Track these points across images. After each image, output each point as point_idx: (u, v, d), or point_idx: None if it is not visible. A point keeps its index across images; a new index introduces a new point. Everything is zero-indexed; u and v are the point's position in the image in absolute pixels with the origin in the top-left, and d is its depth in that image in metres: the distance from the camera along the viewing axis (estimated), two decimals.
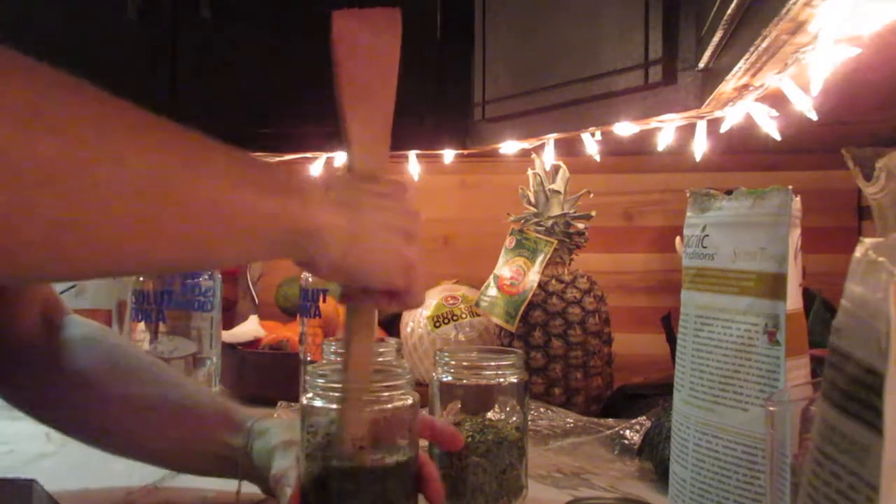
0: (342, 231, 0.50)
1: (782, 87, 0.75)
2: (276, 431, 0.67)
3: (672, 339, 1.11)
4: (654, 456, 0.83)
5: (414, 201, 0.57)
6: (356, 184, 0.54)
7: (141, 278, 0.98)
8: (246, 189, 0.45)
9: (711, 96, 0.80)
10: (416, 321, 1.24)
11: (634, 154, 1.34)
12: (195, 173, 0.42)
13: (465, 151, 1.29)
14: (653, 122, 0.97)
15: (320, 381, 0.61)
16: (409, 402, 0.62)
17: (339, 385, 0.60)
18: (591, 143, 1.12)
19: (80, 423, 0.75)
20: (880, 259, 0.27)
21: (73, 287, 1.55)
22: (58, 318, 0.78)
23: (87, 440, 0.75)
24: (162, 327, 0.97)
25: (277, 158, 1.39)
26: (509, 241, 1.19)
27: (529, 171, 1.18)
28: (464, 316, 1.23)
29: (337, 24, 0.57)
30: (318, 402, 0.61)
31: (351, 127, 0.57)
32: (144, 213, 0.39)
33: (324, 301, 1.07)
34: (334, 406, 0.60)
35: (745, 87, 0.76)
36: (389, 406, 0.61)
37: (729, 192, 0.59)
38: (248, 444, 0.68)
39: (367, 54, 0.58)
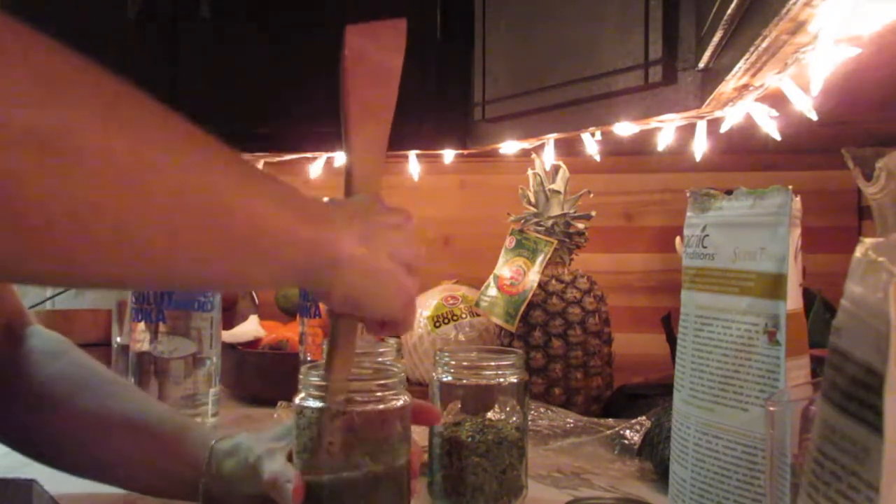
0: (362, 264, 0.50)
1: (782, 87, 0.75)
2: (249, 445, 0.65)
3: (672, 339, 1.11)
4: (654, 456, 0.83)
5: (414, 230, 0.58)
6: (374, 215, 0.54)
7: None
8: (289, 214, 0.45)
9: (711, 96, 0.80)
10: (416, 321, 1.24)
11: (634, 154, 1.34)
12: (248, 194, 0.43)
13: (465, 151, 1.29)
14: (653, 122, 0.97)
15: (314, 381, 0.61)
16: (400, 402, 0.62)
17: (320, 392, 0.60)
18: (591, 143, 1.12)
19: (37, 438, 0.72)
20: (880, 259, 0.27)
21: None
22: (20, 329, 0.76)
23: (42, 457, 0.72)
24: (162, 327, 0.97)
25: (277, 158, 1.39)
26: (509, 241, 1.19)
27: (529, 171, 1.18)
28: (464, 316, 1.23)
29: (350, 42, 0.57)
30: (310, 403, 0.60)
31: (355, 145, 0.58)
32: (200, 228, 0.40)
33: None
34: (324, 406, 0.60)
35: (745, 87, 0.76)
36: (381, 406, 0.60)
37: (729, 192, 0.59)
38: (212, 464, 0.66)
39: (375, 72, 0.58)
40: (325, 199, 0.55)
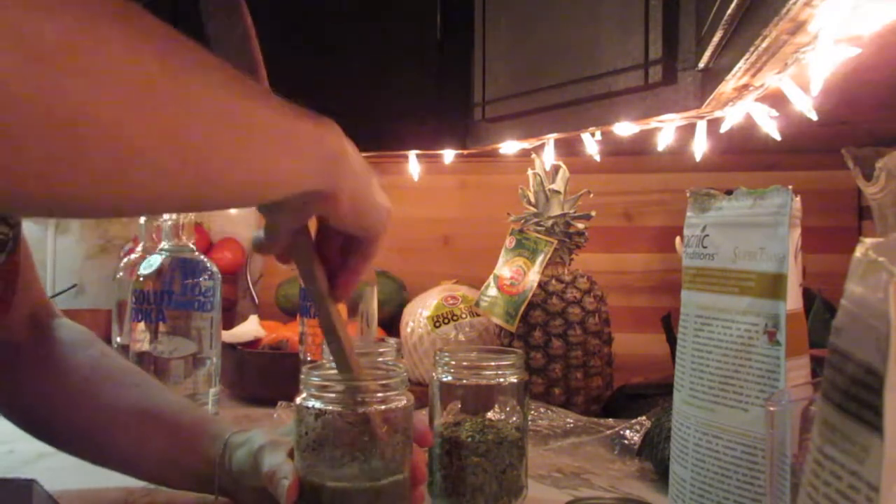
0: (356, 160, 0.52)
1: (782, 87, 0.75)
2: (257, 438, 0.66)
3: (672, 339, 1.11)
4: (654, 456, 0.83)
5: None
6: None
7: (141, 278, 0.98)
8: (293, 117, 0.47)
9: (711, 96, 0.80)
10: (416, 321, 1.24)
11: (634, 154, 1.34)
12: (258, 102, 0.44)
13: (465, 151, 1.29)
14: (653, 122, 0.97)
15: (315, 381, 0.61)
16: (402, 402, 0.62)
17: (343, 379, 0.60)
18: (591, 143, 1.12)
19: (58, 427, 0.74)
20: (880, 259, 0.27)
21: (74, 287, 1.55)
22: (46, 320, 0.78)
23: (62, 445, 0.74)
24: (162, 327, 0.97)
25: None
26: (509, 241, 1.19)
27: (529, 171, 1.18)
28: (464, 316, 1.23)
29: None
30: (311, 403, 0.60)
31: None
32: (225, 136, 0.40)
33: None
34: (329, 407, 0.60)
35: (745, 87, 0.76)
36: (383, 407, 0.60)
37: (729, 192, 0.59)
38: (225, 457, 0.67)
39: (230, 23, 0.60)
40: None
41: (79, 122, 0.32)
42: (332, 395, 0.60)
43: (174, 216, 1.00)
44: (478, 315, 1.22)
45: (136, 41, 0.35)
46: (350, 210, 0.52)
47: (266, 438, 0.65)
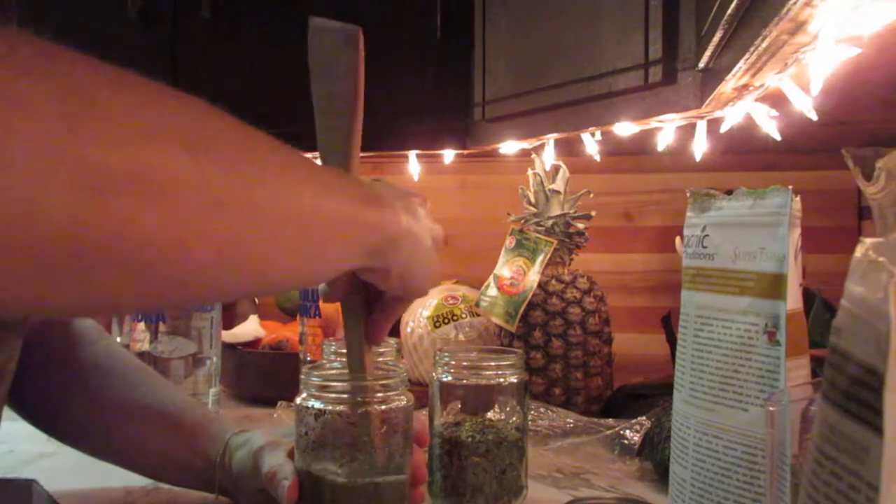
0: (414, 240, 0.53)
1: (782, 87, 0.74)
2: (257, 439, 0.66)
3: (672, 339, 1.11)
4: (654, 456, 0.83)
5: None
6: (404, 195, 0.56)
7: None
8: (353, 202, 0.48)
9: (711, 96, 0.80)
10: (416, 321, 1.24)
11: (634, 154, 1.34)
12: (316, 192, 0.45)
13: (465, 151, 1.29)
14: (653, 122, 0.97)
15: (315, 381, 0.61)
16: (403, 402, 0.62)
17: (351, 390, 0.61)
18: (591, 143, 1.12)
19: (61, 419, 0.75)
20: (880, 259, 0.27)
21: None
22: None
23: (63, 437, 0.75)
24: (162, 327, 0.97)
25: None
26: (509, 241, 1.19)
27: (529, 171, 1.18)
28: (464, 316, 1.23)
29: (310, 37, 0.59)
30: (312, 403, 0.60)
31: (320, 137, 0.59)
32: (284, 235, 0.42)
33: (324, 301, 1.07)
34: (329, 407, 0.60)
35: (745, 87, 0.76)
36: (383, 407, 0.61)
37: (729, 192, 0.59)
38: (226, 457, 0.68)
39: (333, 68, 0.59)
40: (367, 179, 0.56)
41: (146, 248, 0.33)
42: (333, 395, 0.60)
43: None
44: (478, 315, 1.22)
45: (201, 156, 0.36)
46: (398, 282, 0.54)
47: (265, 439, 0.65)
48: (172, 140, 0.35)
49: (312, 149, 1.43)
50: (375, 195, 0.50)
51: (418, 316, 1.24)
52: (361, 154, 0.60)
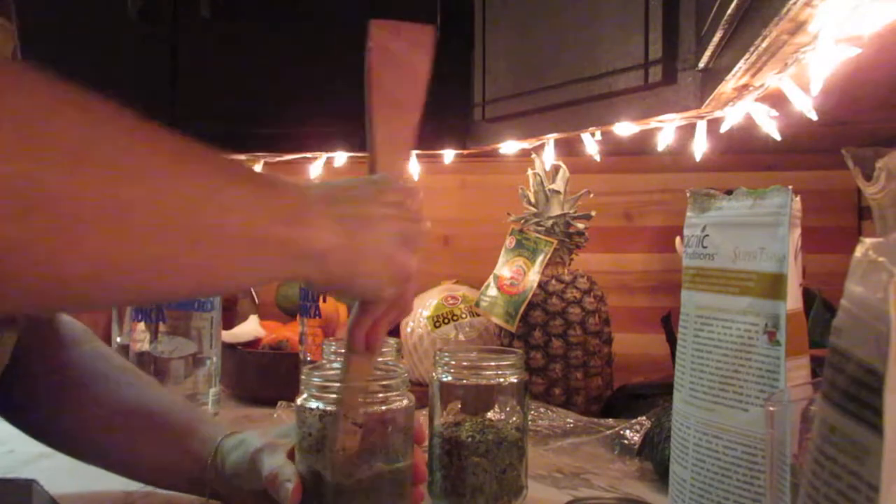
0: (341, 251, 0.51)
1: (782, 87, 0.74)
2: (253, 440, 0.65)
3: (672, 339, 1.11)
4: (654, 456, 0.83)
5: (421, 206, 0.58)
6: (362, 195, 0.55)
7: None
8: (263, 217, 0.47)
9: (711, 96, 0.80)
10: (416, 321, 1.24)
11: (634, 154, 1.34)
12: (222, 206, 0.44)
13: (465, 151, 1.29)
14: (653, 122, 0.97)
15: (316, 381, 0.61)
16: (405, 403, 0.62)
17: (336, 392, 0.60)
18: (591, 143, 1.12)
19: (52, 425, 0.74)
20: (880, 259, 0.27)
21: None
22: (47, 315, 0.78)
23: (55, 443, 0.74)
24: (162, 327, 0.97)
25: (277, 158, 1.39)
26: (509, 241, 1.19)
27: (529, 171, 1.18)
28: (464, 316, 1.23)
29: (374, 33, 0.60)
30: (312, 404, 0.60)
31: (376, 132, 0.60)
32: (177, 246, 0.42)
33: (324, 301, 1.07)
34: (329, 407, 0.60)
35: (745, 87, 0.76)
36: (383, 408, 0.61)
37: (729, 192, 0.59)
38: (218, 459, 0.66)
39: (399, 64, 0.61)
40: (316, 181, 0.55)
41: (12, 257, 0.35)
42: (334, 395, 0.60)
43: None
44: (478, 315, 1.22)
45: (84, 170, 0.37)
46: (327, 289, 0.54)
47: (263, 441, 0.65)
48: (55, 153, 0.35)
49: (310, 148, 1.42)
50: (291, 210, 0.49)
51: (418, 316, 1.24)
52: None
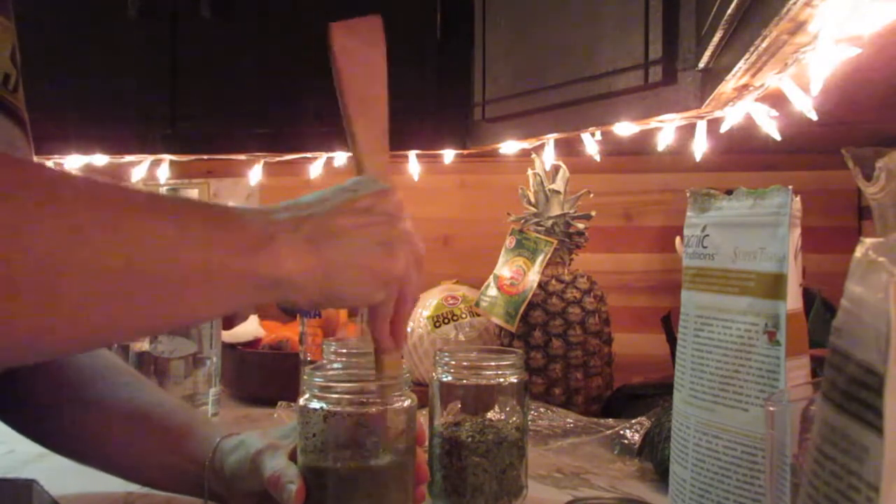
0: (314, 270, 0.51)
1: (782, 87, 0.74)
2: (253, 442, 0.65)
3: (672, 339, 1.11)
4: (654, 456, 0.83)
5: (399, 204, 0.58)
6: (332, 207, 0.54)
7: None
8: (217, 252, 0.47)
9: (711, 96, 0.80)
10: (416, 321, 1.24)
11: (634, 154, 1.34)
12: (175, 245, 0.45)
13: (465, 151, 1.29)
14: (653, 122, 0.97)
15: (318, 382, 0.61)
16: (406, 403, 0.62)
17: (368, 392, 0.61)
18: (591, 143, 1.12)
19: (49, 425, 0.74)
20: (880, 259, 0.27)
21: None
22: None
23: (53, 445, 0.74)
24: None
25: (277, 158, 1.39)
26: (509, 241, 1.19)
27: (529, 171, 1.18)
28: (464, 316, 1.23)
29: (334, 35, 0.60)
30: (315, 404, 0.60)
31: (357, 133, 0.60)
32: (132, 289, 0.43)
33: None
34: (337, 409, 0.60)
35: (745, 87, 0.76)
36: (386, 407, 0.61)
37: (729, 192, 0.59)
38: (216, 461, 0.66)
39: (362, 62, 0.61)
40: (281, 203, 0.55)
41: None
42: (336, 395, 0.60)
43: None
44: (478, 315, 1.22)
45: (33, 227, 0.39)
46: (315, 307, 0.54)
47: (263, 442, 0.64)
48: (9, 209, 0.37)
49: (310, 148, 1.43)
50: (261, 241, 0.49)
51: (418, 316, 1.24)
52: None
